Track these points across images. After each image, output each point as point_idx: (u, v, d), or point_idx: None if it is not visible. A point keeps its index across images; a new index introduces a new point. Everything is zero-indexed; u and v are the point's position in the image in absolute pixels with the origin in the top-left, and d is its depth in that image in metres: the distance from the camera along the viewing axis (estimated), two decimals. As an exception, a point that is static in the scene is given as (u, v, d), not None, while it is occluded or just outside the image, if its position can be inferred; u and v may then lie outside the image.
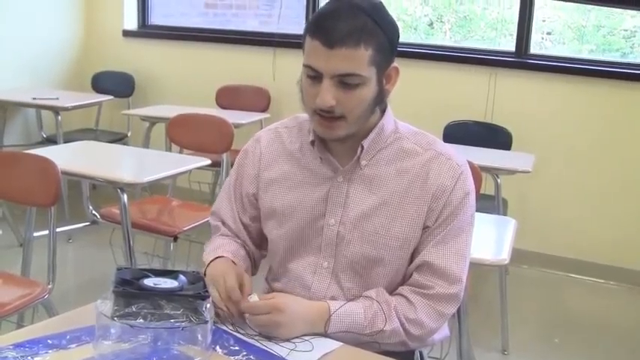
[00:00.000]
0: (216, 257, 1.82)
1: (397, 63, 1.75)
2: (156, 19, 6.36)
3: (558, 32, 5.22)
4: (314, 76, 1.67)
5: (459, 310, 2.47)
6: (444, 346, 2.31)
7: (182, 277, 1.40)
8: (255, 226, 1.95)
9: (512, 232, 2.81)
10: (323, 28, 1.63)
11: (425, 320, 1.73)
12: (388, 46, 1.68)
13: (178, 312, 1.30)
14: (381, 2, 1.72)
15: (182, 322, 1.29)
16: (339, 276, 1.80)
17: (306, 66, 1.68)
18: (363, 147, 1.76)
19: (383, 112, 1.79)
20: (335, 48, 1.61)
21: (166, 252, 3.97)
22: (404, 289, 1.77)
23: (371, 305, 1.72)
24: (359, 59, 1.63)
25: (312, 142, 1.79)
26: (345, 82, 1.64)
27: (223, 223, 1.97)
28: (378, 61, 1.67)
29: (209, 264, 1.81)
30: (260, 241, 1.98)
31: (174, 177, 4.24)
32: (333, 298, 1.76)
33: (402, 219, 1.75)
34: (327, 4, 1.70)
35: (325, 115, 1.68)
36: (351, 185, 1.79)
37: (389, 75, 1.73)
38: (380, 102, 1.74)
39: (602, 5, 4.94)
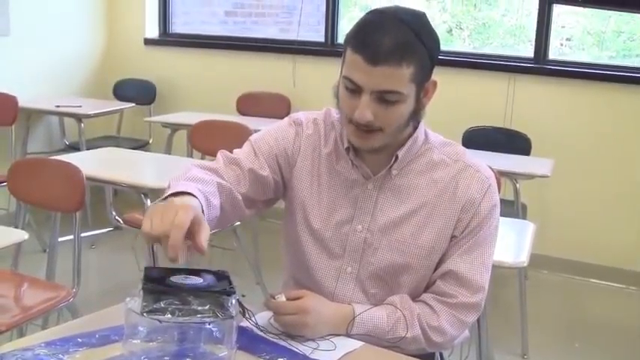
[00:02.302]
0: (185, 193, 1.55)
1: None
2: (177, 27, 6.41)
3: (578, 38, 5.22)
4: (353, 89, 1.65)
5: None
6: (464, 349, 2.33)
7: (208, 275, 1.43)
8: (256, 183, 1.81)
9: (531, 236, 2.84)
10: (366, 43, 1.60)
11: (447, 328, 1.75)
12: (429, 61, 1.67)
13: (205, 307, 1.33)
14: (424, 13, 1.69)
15: (209, 317, 1.32)
16: (364, 282, 1.81)
17: (345, 78, 1.67)
18: (397, 157, 1.77)
19: (417, 123, 1.79)
20: (378, 65, 1.59)
21: (188, 256, 4.00)
22: (427, 297, 1.79)
23: (394, 312, 1.74)
24: (400, 77, 1.62)
25: (347, 149, 1.79)
26: (385, 98, 1.63)
27: (230, 160, 1.82)
28: (418, 77, 1.66)
29: (171, 195, 1.55)
30: (252, 201, 1.83)
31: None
32: (357, 303, 1.78)
33: (430, 229, 1.77)
34: (369, 14, 1.67)
35: (362, 128, 1.68)
36: (380, 193, 1.80)
37: (427, 89, 1.72)
38: (416, 116, 1.74)
39: (622, 10, 4.94)
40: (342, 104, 1.72)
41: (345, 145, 1.79)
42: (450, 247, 1.78)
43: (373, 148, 1.74)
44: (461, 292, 1.75)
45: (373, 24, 1.63)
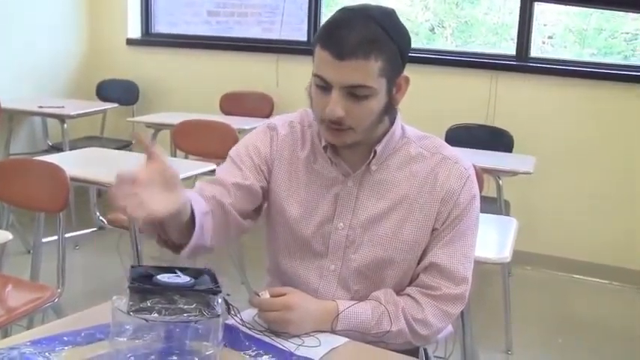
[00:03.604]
0: None
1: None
2: (159, 27, 6.41)
3: (560, 36, 5.26)
4: (323, 86, 1.66)
5: (463, 311, 2.51)
6: (448, 345, 2.34)
7: (194, 274, 1.44)
8: (243, 194, 1.80)
9: (514, 232, 2.86)
10: (334, 38, 1.61)
11: (432, 320, 1.76)
12: (399, 56, 1.67)
13: (191, 306, 1.33)
14: (393, 10, 1.70)
15: (195, 316, 1.33)
16: (347, 279, 1.82)
17: (315, 75, 1.68)
18: (375, 152, 1.77)
19: (394, 118, 1.80)
20: (345, 60, 1.60)
21: (174, 256, 4.00)
22: (411, 290, 1.80)
23: (378, 306, 1.75)
24: (369, 71, 1.62)
25: (325, 148, 1.79)
26: (355, 93, 1.64)
27: (210, 182, 1.80)
28: (388, 72, 1.66)
29: None
30: (244, 212, 1.82)
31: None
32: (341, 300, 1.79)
33: (411, 222, 1.78)
34: (338, 12, 1.67)
35: (333, 126, 1.69)
36: (360, 190, 1.81)
37: (399, 84, 1.73)
38: (389, 112, 1.74)
39: (603, 8, 4.98)
40: (314, 103, 1.73)
41: (323, 143, 1.80)
42: (431, 239, 1.79)
43: (346, 144, 1.74)
44: (444, 284, 1.76)
45: (341, 20, 1.64)
